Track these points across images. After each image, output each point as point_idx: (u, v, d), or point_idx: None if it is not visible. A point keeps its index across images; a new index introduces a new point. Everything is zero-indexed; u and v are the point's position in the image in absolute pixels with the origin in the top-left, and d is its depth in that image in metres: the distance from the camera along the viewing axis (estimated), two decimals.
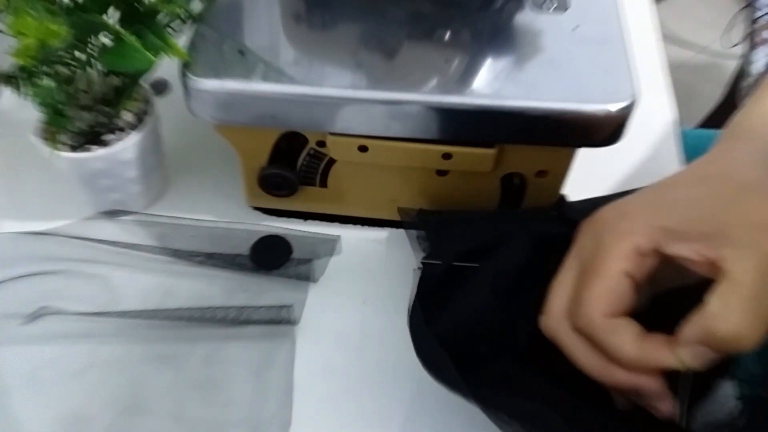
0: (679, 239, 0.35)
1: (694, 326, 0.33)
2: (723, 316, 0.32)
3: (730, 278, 0.32)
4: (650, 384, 0.34)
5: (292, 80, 0.46)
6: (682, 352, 0.33)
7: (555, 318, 0.37)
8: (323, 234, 0.55)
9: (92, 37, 0.45)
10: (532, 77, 0.46)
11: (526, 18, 0.50)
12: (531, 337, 0.40)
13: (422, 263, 0.47)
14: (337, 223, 0.56)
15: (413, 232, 0.50)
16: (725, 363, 0.35)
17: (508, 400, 0.38)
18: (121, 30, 0.43)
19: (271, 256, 0.53)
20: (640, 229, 0.35)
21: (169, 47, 0.45)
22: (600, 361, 0.35)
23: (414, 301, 0.44)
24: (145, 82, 0.53)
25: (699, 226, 0.34)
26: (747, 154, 0.38)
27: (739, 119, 0.43)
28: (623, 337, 0.34)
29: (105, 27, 0.44)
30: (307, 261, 0.53)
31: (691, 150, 0.63)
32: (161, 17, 0.45)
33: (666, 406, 0.34)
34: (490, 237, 0.47)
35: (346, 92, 0.45)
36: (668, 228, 0.35)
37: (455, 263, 0.46)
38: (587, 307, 0.35)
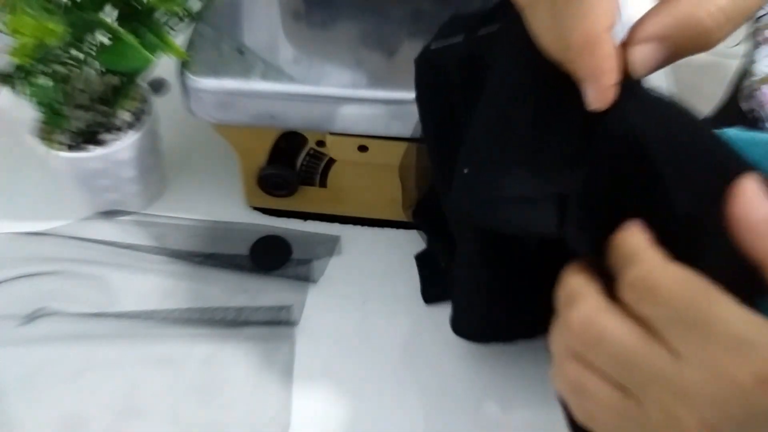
0: None
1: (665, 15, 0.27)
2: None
3: None
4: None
5: (291, 79, 0.46)
6: (637, 50, 0.28)
7: None
8: (323, 234, 0.55)
9: (90, 35, 0.45)
10: None
11: None
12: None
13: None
14: (337, 223, 0.56)
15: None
16: None
17: None
18: (119, 28, 0.43)
19: (270, 257, 0.53)
20: None
21: (167, 46, 0.44)
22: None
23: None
24: (142, 82, 0.52)
25: None
26: None
27: None
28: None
29: (102, 25, 0.44)
30: (307, 261, 0.53)
31: None
32: (159, 16, 0.45)
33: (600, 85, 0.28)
34: None
35: (345, 91, 0.45)
36: None
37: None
38: None
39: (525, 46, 0.31)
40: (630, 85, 0.28)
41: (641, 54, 0.28)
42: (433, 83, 0.38)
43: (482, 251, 0.40)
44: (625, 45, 0.28)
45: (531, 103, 0.32)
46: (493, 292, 0.42)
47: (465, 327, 0.46)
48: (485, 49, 0.35)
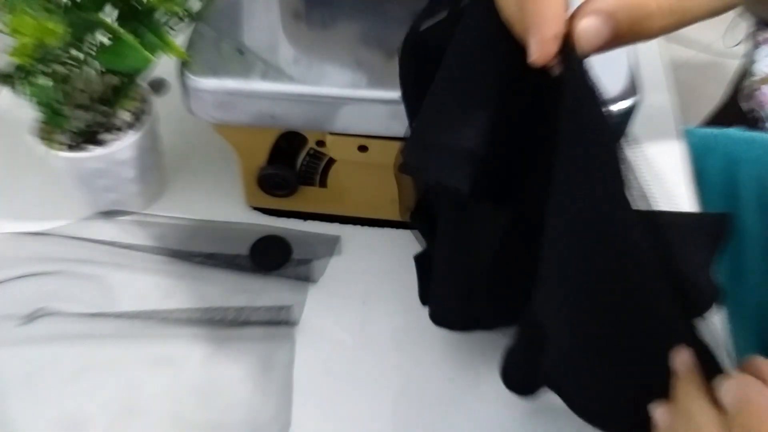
0: None
1: None
2: None
3: None
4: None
5: (291, 79, 0.46)
6: (581, 23, 0.29)
7: None
8: (323, 234, 0.55)
9: (90, 35, 0.45)
10: None
11: None
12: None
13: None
14: (337, 223, 0.56)
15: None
16: None
17: None
18: (119, 28, 0.43)
19: (270, 257, 0.53)
20: None
21: (167, 46, 0.44)
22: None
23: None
24: (143, 82, 0.52)
25: None
26: None
27: None
28: None
29: (103, 25, 0.44)
30: (307, 261, 0.53)
31: (696, 149, 0.62)
32: (159, 15, 0.45)
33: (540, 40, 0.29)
34: None
35: (345, 92, 0.45)
36: None
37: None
38: None
39: (486, 8, 0.32)
40: (575, 65, 0.29)
41: (586, 25, 0.29)
42: (426, 63, 0.37)
43: (456, 237, 0.41)
44: (573, 17, 0.29)
45: (479, 62, 0.34)
46: (469, 277, 0.43)
47: (444, 315, 0.46)
48: None
